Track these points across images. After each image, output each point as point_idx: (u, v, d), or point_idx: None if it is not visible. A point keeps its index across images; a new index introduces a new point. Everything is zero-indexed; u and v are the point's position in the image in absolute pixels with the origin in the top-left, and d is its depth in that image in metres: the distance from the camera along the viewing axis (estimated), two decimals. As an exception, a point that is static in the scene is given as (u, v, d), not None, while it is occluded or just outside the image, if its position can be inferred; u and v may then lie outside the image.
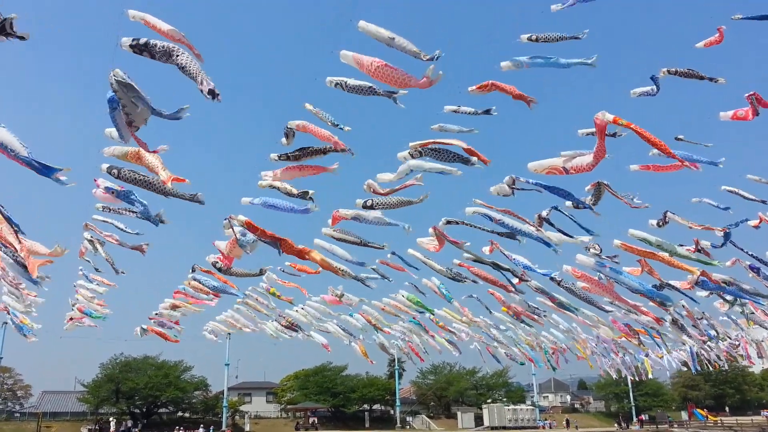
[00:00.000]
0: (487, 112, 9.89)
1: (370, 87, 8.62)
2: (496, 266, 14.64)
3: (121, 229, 12.92)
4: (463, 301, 20.71)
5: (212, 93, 6.86)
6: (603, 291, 13.82)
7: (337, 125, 9.58)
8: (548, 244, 12.85)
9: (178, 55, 6.91)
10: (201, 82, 6.87)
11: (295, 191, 10.92)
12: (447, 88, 9.14)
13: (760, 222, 13.46)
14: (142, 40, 6.90)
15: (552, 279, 14.14)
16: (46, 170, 8.07)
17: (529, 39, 8.95)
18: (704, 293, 16.23)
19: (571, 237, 12.28)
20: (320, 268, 14.77)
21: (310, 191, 10.99)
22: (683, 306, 17.75)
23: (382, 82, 8.29)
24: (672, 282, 13.98)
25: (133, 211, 11.18)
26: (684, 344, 26.04)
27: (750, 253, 13.81)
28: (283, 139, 9.84)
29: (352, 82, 8.66)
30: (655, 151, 10.75)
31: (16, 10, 6.38)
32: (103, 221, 12.73)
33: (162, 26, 7.24)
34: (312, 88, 9.14)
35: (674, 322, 20.36)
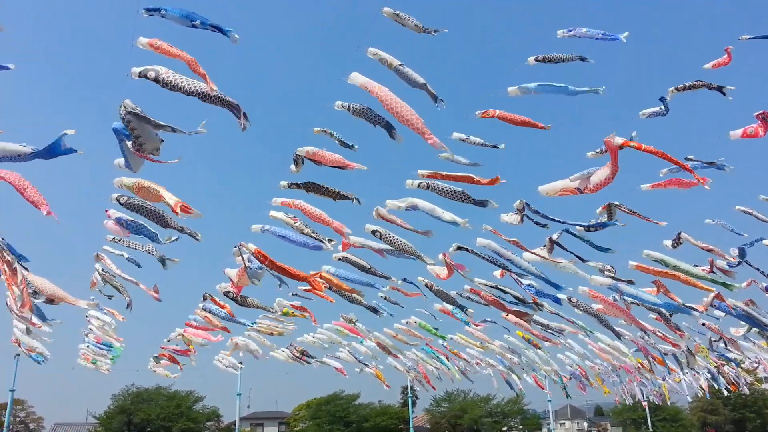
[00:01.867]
0: (495, 146, 9.92)
1: (376, 116, 8.63)
2: (506, 293, 14.56)
3: (130, 260, 12.93)
4: (478, 325, 20.47)
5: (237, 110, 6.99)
6: (620, 313, 13.64)
7: (347, 145, 9.59)
8: (557, 286, 12.75)
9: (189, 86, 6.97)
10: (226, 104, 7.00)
11: (307, 230, 10.95)
12: (455, 111, 9.14)
13: (776, 242, 13.27)
14: (151, 74, 6.96)
15: (569, 300, 13.99)
16: (54, 148, 7.82)
17: (536, 60, 8.96)
18: (721, 314, 16.02)
19: (583, 260, 12.15)
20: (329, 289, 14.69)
21: (329, 241, 11.06)
22: (704, 324, 17.44)
23: (392, 114, 8.28)
24: (688, 304, 13.78)
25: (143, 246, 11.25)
26: (698, 369, 25.57)
27: (766, 273, 13.60)
28: (292, 166, 9.82)
29: (358, 106, 8.69)
30: (665, 170, 10.70)
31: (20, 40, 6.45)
32: (113, 253, 12.78)
33: (174, 52, 7.28)
34: (320, 114, 9.20)
35: (689, 351, 20.13)
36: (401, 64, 8.10)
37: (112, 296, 15.33)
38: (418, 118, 8.20)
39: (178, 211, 8.63)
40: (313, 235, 10.98)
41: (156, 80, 6.96)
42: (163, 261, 11.22)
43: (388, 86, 8.25)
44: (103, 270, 13.58)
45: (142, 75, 6.97)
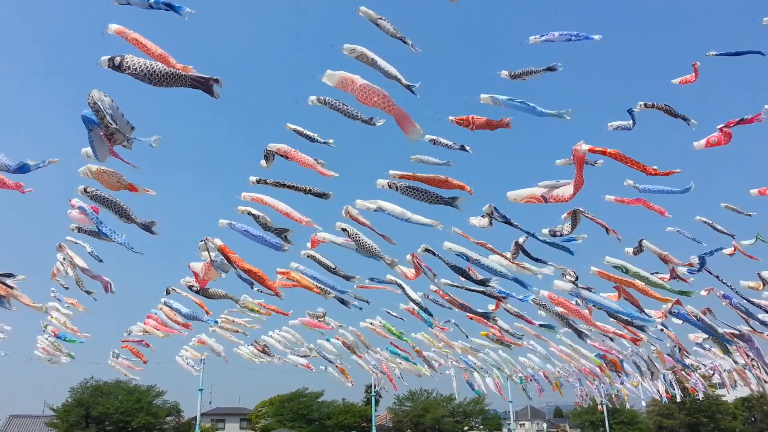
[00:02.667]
0: (463, 148, 9.99)
1: (352, 110, 8.65)
2: (474, 289, 14.64)
3: (90, 254, 12.71)
4: (442, 325, 20.62)
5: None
6: (580, 317, 13.89)
7: (322, 141, 9.58)
8: (524, 285, 12.92)
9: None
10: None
11: (272, 225, 10.90)
12: (428, 112, 9.20)
13: (735, 251, 13.64)
14: (117, 59, 6.88)
15: (533, 302, 14.17)
16: (23, 168, 8.07)
17: (510, 75, 9.06)
18: (679, 321, 16.40)
19: (545, 263, 12.36)
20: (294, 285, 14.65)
21: (289, 231, 11.02)
22: (662, 330, 17.85)
23: (366, 104, 8.30)
24: (647, 311, 14.08)
25: (108, 237, 11.03)
26: (654, 374, 26.13)
27: (725, 281, 13.96)
28: (263, 162, 9.77)
29: (334, 101, 8.70)
30: (630, 181, 10.93)
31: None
32: (75, 243, 12.54)
33: (148, 44, 7.21)
34: (294, 111, 9.17)
35: (652, 363, 20.62)
36: (374, 60, 8.11)
37: (68, 287, 15.08)
38: (394, 105, 8.25)
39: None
40: (275, 229, 10.90)
41: (125, 67, 6.87)
42: (148, 228, 10.57)
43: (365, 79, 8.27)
44: (64, 260, 13.33)
45: (111, 63, 6.88)
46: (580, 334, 15.97)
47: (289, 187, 10.24)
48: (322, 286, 14.35)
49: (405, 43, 8.11)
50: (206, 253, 11.67)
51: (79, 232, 11.47)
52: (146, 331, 20.23)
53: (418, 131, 8.55)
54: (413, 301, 15.84)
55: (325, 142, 9.60)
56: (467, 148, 9.92)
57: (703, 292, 14.38)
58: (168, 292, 16.88)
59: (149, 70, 6.88)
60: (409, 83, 8.14)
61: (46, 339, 20.95)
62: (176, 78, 6.96)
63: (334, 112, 8.74)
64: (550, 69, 9.06)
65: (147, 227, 9.75)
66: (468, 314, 16.96)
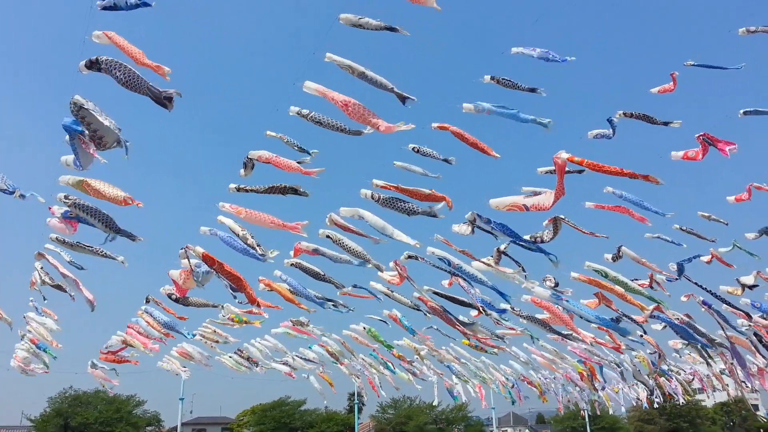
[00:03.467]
0: (447, 161, 10.08)
1: (336, 123, 8.66)
2: (455, 299, 14.69)
3: (71, 263, 12.53)
4: (425, 332, 20.63)
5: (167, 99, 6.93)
6: (562, 322, 13.98)
7: (304, 150, 9.56)
8: (503, 294, 12.99)
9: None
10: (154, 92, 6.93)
11: (251, 240, 10.81)
12: (414, 119, 9.21)
13: (712, 258, 13.84)
14: (95, 59, 6.87)
15: (512, 310, 14.24)
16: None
17: (492, 79, 9.15)
18: (659, 326, 16.58)
19: (524, 271, 12.43)
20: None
21: (272, 252, 10.96)
22: (641, 335, 18.03)
23: (350, 117, 8.33)
24: (628, 315, 14.22)
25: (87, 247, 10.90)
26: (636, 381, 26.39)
27: (704, 287, 14.14)
28: (242, 170, 9.70)
29: (316, 114, 8.70)
30: (610, 188, 11.07)
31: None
32: (55, 251, 12.34)
33: (128, 47, 7.22)
34: (274, 118, 9.14)
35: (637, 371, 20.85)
36: (363, 72, 8.12)
37: (46, 299, 14.89)
38: (377, 118, 8.28)
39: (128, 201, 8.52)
40: (255, 247, 10.86)
41: (102, 65, 6.86)
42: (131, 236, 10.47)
43: (345, 91, 8.30)
44: (42, 269, 13.14)
45: (89, 64, 6.87)
46: (563, 337, 16.10)
47: (265, 190, 10.15)
48: (303, 301, 14.28)
49: (393, 30, 8.04)
50: (186, 261, 11.55)
51: (59, 242, 11.28)
52: (126, 342, 19.95)
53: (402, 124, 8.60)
54: (404, 305, 15.78)
55: (305, 151, 9.59)
56: (451, 160, 10.02)
57: (683, 298, 14.57)
58: (147, 301, 16.69)
59: (122, 74, 6.88)
60: (405, 94, 8.19)
61: (23, 348, 20.61)
62: (139, 87, 6.97)
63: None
64: (533, 90, 9.19)
65: (130, 235, 9.63)
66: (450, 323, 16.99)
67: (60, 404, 45.84)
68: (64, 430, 44.64)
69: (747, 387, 21.95)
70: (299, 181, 10.08)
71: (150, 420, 49.41)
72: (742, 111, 10.22)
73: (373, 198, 10.10)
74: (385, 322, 19.18)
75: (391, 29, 8.03)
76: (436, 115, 9.48)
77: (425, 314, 15.80)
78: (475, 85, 9.24)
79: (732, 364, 19.54)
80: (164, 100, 7.05)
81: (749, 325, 15.79)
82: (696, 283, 13.97)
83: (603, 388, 28.61)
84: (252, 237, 10.81)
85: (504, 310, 14.15)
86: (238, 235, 10.77)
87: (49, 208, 9.91)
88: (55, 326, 17.28)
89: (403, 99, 8.26)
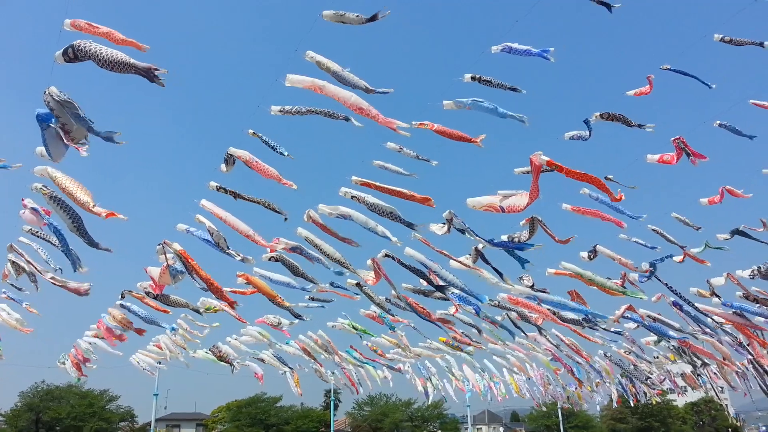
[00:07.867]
0: (427, 161, 10.19)
1: (323, 109, 8.73)
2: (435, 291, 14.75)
3: (46, 262, 12.37)
4: (401, 328, 20.67)
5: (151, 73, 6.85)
6: (539, 314, 14.13)
7: (282, 153, 9.56)
8: (480, 299, 13.09)
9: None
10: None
11: (223, 244, 10.81)
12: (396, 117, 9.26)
13: (684, 257, 14.07)
14: (69, 49, 6.76)
15: (490, 302, 14.34)
16: None
17: (472, 78, 9.22)
18: (632, 325, 16.83)
19: (501, 274, 12.54)
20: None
21: (249, 258, 11.01)
22: (618, 333, 18.28)
23: (341, 102, 8.38)
24: (599, 314, 14.42)
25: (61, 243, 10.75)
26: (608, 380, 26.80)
27: (673, 288, 14.38)
28: (222, 166, 9.67)
29: (298, 108, 8.74)
30: (587, 190, 11.21)
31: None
32: (29, 244, 12.18)
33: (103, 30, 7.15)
34: (256, 116, 9.13)
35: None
36: (339, 71, 8.16)
37: (22, 288, 14.66)
38: (368, 105, 8.34)
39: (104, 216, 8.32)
40: (227, 251, 10.86)
41: (78, 52, 6.75)
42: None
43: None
44: (13, 263, 12.94)
45: (65, 54, 6.75)
46: (540, 331, 16.28)
47: (248, 199, 10.17)
48: (276, 300, 14.25)
49: (376, 19, 8.00)
50: (163, 257, 11.47)
51: (32, 234, 11.15)
52: (98, 336, 19.70)
53: (400, 126, 8.69)
54: (377, 305, 15.82)
55: (282, 154, 9.60)
56: (432, 162, 10.14)
57: (654, 299, 14.81)
58: (123, 296, 16.49)
59: (101, 54, 6.75)
60: (378, 89, 8.24)
61: None
62: (123, 65, 6.82)
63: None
64: (514, 89, 9.30)
65: (92, 242, 9.44)
66: (428, 319, 17.07)
67: (32, 399, 45.15)
68: (36, 425, 44.03)
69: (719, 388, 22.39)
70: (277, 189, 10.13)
71: (123, 415, 48.90)
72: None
73: (353, 199, 10.15)
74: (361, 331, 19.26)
75: (373, 19, 7.99)
76: (418, 114, 9.55)
77: (393, 315, 15.92)
78: (455, 84, 9.31)
79: (705, 363, 20.04)
80: (153, 75, 6.92)
81: (719, 324, 16.02)
82: (666, 285, 14.19)
83: (576, 387, 29.05)
84: (225, 241, 10.81)
85: (477, 309, 14.26)
86: (212, 235, 10.75)
87: (22, 200, 9.78)
88: (14, 320, 16.86)
89: (370, 92, 8.35)
